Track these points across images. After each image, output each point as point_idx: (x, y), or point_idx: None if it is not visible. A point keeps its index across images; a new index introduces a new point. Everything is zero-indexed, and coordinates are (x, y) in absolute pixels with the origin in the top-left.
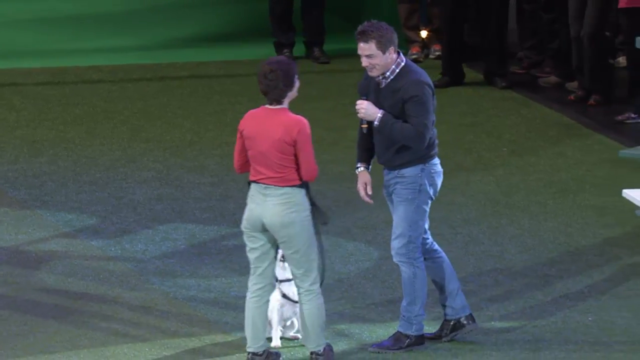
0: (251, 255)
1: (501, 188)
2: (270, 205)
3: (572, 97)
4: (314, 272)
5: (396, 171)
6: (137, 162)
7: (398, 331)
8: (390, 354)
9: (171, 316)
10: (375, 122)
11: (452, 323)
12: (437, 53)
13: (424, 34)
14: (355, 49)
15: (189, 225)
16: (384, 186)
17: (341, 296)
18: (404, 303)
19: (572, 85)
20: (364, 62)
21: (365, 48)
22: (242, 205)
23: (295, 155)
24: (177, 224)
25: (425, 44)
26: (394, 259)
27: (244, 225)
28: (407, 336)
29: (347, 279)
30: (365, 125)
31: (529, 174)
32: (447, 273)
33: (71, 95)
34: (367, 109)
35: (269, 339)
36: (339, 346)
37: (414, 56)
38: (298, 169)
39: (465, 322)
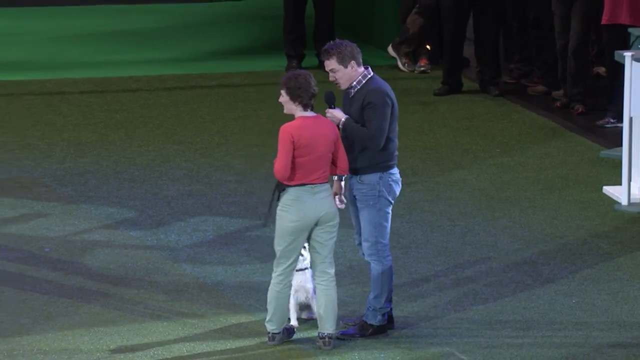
0: None
1: (494, 185)
2: None
3: (557, 104)
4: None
5: (357, 177)
6: (171, 161)
7: (363, 320)
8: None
9: (201, 299)
10: (340, 125)
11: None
12: (422, 69)
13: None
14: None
15: (216, 218)
16: (348, 189)
17: (352, 281)
18: (370, 296)
19: (558, 93)
20: (330, 77)
21: (328, 64)
22: (264, 200)
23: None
24: (206, 216)
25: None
26: (366, 259)
27: None
28: (371, 325)
29: (357, 266)
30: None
31: (519, 172)
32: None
33: (112, 103)
34: (333, 114)
35: (287, 320)
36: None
37: (422, 68)
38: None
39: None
